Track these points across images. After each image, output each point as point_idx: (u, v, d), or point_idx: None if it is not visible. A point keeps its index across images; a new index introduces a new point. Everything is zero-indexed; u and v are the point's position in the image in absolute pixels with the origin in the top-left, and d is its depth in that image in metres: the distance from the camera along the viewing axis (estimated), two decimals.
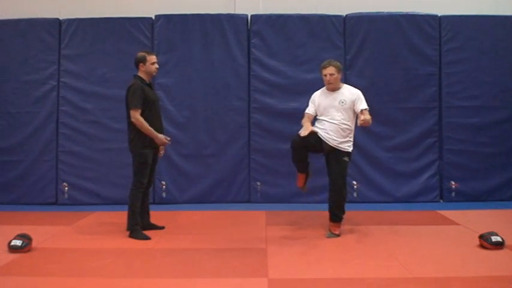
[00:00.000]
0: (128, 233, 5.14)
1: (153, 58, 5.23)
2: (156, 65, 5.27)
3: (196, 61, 7.04)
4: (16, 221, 5.85)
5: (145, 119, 5.04)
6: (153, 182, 5.56)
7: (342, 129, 5.15)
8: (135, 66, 5.24)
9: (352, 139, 5.22)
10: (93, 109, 7.01)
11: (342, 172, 5.18)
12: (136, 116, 5.02)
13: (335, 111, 5.20)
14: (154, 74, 5.32)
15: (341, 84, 5.33)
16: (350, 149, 5.20)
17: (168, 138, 5.23)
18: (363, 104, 5.17)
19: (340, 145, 5.15)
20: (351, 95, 5.21)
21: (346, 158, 5.17)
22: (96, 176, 6.99)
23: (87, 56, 7.02)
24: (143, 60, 5.17)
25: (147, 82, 5.23)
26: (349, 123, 5.18)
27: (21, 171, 6.98)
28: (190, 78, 7.04)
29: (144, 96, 5.06)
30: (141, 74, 5.20)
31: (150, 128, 5.05)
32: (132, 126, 5.10)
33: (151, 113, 5.14)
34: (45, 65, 7.02)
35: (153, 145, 5.17)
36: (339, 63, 5.31)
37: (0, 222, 5.84)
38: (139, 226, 5.15)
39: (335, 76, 5.21)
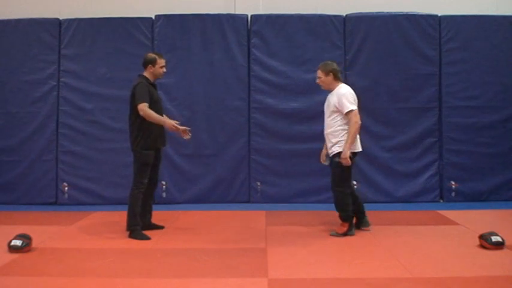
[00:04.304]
0: (128, 233, 5.14)
1: (162, 62, 5.26)
2: (164, 69, 5.30)
3: (196, 61, 7.04)
4: (16, 221, 5.85)
5: (147, 120, 5.03)
6: (158, 183, 5.54)
7: (329, 133, 5.20)
8: (143, 66, 5.25)
9: (342, 138, 5.08)
10: (93, 109, 7.01)
11: (333, 172, 5.21)
12: (144, 108, 4.97)
13: (326, 116, 5.27)
14: (160, 77, 5.34)
15: (336, 84, 5.23)
16: (339, 149, 5.09)
17: (178, 122, 5.10)
18: (345, 106, 5.05)
19: (331, 149, 5.20)
20: (334, 97, 5.15)
21: (336, 159, 5.13)
22: (96, 176, 6.99)
23: (87, 56, 7.03)
24: (153, 62, 5.20)
25: (152, 82, 5.25)
26: (335, 126, 5.13)
27: (21, 171, 6.98)
28: (190, 78, 7.05)
29: (149, 95, 5.07)
30: (147, 75, 5.22)
31: (157, 116, 5.01)
32: (134, 126, 5.09)
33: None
34: (45, 65, 7.03)
35: (156, 146, 5.17)
36: (328, 66, 5.23)
37: (0, 222, 5.85)
38: (139, 226, 5.15)
39: (322, 79, 5.24)
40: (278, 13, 7.11)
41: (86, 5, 7.31)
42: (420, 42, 7.02)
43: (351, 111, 5.04)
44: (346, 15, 7.10)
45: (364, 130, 6.99)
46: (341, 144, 5.08)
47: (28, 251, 4.57)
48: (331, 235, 5.15)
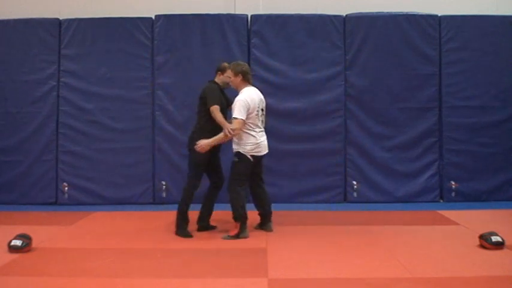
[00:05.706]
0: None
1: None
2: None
3: (196, 61, 7.03)
4: (16, 221, 5.85)
5: (211, 122, 5.15)
6: (222, 184, 5.51)
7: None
8: (215, 71, 5.42)
9: (243, 140, 5.11)
10: (93, 109, 7.01)
11: (231, 171, 5.18)
12: (215, 110, 5.12)
13: None
14: (226, 86, 5.42)
15: (244, 86, 5.23)
16: (237, 148, 5.13)
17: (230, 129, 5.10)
18: (232, 112, 5.08)
19: (233, 147, 5.19)
20: (234, 101, 5.16)
21: (234, 158, 5.14)
22: (96, 176, 6.99)
23: (87, 56, 7.03)
24: (222, 71, 5.39)
25: (221, 88, 5.39)
26: None
27: (21, 171, 6.98)
28: (190, 78, 7.03)
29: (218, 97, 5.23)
30: (217, 80, 5.41)
31: (223, 119, 5.11)
32: (197, 125, 5.26)
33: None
34: (45, 65, 7.02)
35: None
36: (238, 67, 5.23)
37: (0, 222, 5.85)
38: (186, 224, 5.24)
39: (231, 79, 5.25)
40: (278, 13, 7.11)
41: (86, 5, 7.31)
42: (420, 42, 7.02)
43: (235, 118, 5.03)
44: (346, 15, 7.10)
45: (364, 130, 7.05)
46: (240, 144, 5.11)
47: (28, 251, 4.57)
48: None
